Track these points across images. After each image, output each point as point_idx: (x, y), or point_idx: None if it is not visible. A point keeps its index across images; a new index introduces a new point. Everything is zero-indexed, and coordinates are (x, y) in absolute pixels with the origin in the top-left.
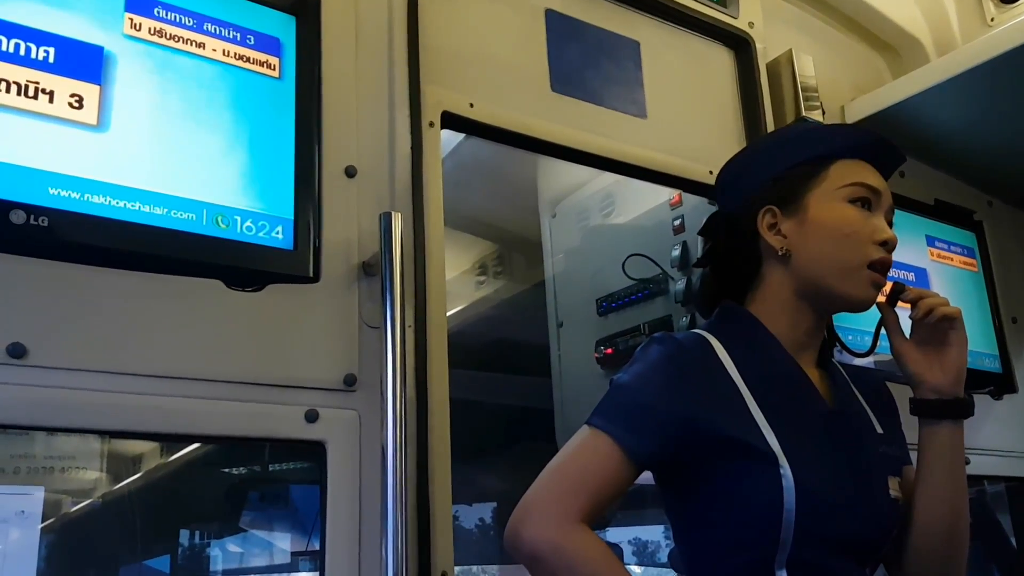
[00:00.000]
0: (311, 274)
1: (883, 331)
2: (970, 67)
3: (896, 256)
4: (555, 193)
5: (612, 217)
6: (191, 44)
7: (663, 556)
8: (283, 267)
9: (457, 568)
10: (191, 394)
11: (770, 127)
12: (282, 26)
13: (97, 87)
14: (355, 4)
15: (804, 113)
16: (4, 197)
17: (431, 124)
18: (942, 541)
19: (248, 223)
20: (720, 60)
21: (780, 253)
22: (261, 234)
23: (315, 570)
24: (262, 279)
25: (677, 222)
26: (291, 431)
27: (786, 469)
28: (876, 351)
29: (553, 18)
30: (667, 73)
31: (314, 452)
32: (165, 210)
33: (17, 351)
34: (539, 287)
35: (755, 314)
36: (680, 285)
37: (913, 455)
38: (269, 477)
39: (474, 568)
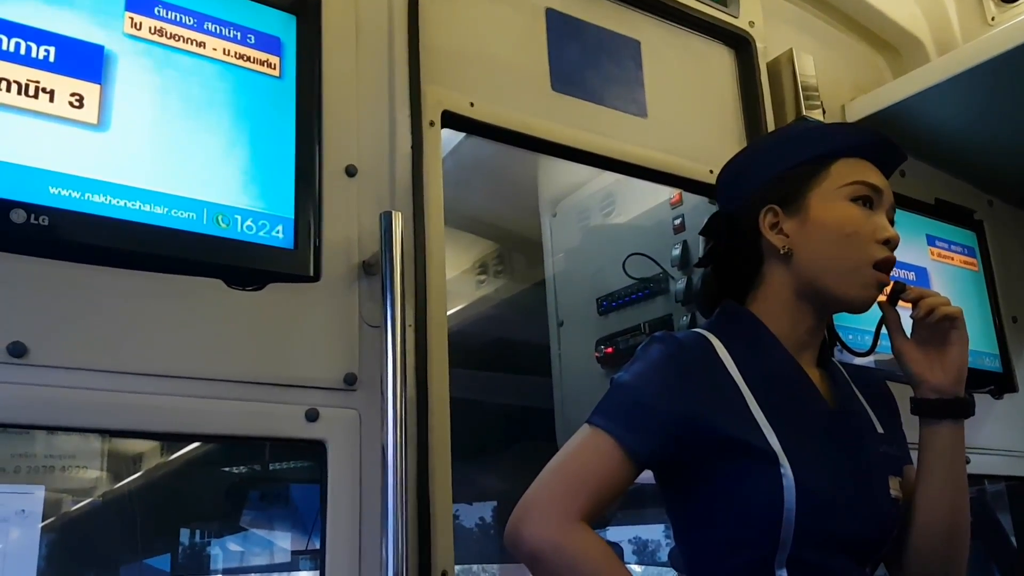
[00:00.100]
0: (311, 273)
1: (883, 330)
2: (971, 66)
3: (896, 255)
4: (555, 192)
5: (612, 216)
6: (191, 43)
7: (663, 555)
8: (283, 266)
9: (457, 567)
10: (191, 393)
11: (770, 126)
12: (282, 25)
13: (97, 86)
14: (355, 3)
15: (804, 112)
16: (4, 196)
17: (431, 123)
18: (943, 541)
19: (248, 222)
20: (720, 59)
21: (782, 252)
22: (261, 233)
23: (315, 569)
24: (262, 278)
25: (677, 221)
26: (291, 430)
27: (786, 469)
28: (876, 350)
29: (553, 17)
30: (667, 72)
31: (314, 451)
32: (165, 209)
33: (17, 350)
34: (539, 286)
35: (756, 313)
36: (680, 284)
37: (913, 454)
38: (269, 476)
39: (474, 567)
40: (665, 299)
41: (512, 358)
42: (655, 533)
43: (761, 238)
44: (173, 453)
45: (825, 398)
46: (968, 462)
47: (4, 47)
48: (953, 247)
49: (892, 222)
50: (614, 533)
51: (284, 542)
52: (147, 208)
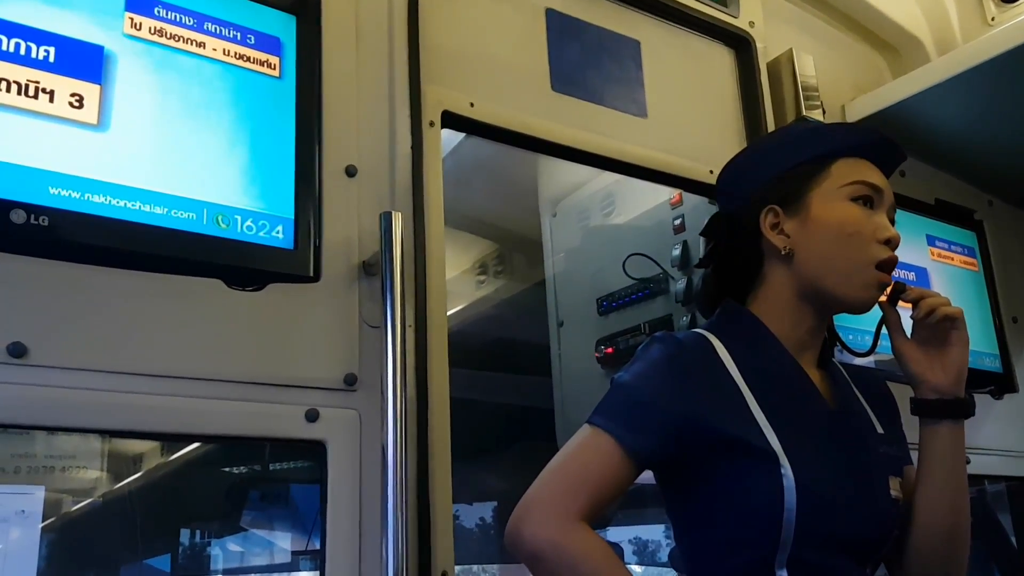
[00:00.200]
0: (311, 274)
1: (884, 331)
2: (971, 66)
3: (896, 255)
4: (555, 192)
5: (612, 216)
6: (191, 43)
7: (663, 555)
8: (283, 267)
9: (457, 567)
10: (191, 394)
11: (771, 127)
12: (282, 25)
13: (97, 86)
14: (355, 3)
15: (805, 112)
16: (4, 196)
17: (431, 123)
18: (943, 541)
19: (248, 222)
20: (721, 59)
21: (783, 253)
22: (261, 233)
23: (315, 569)
24: (262, 279)
25: (677, 221)
26: (291, 431)
27: (787, 469)
28: (877, 351)
29: (553, 17)
30: (667, 72)
31: (314, 452)
32: (165, 209)
33: (17, 350)
34: (539, 286)
35: (756, 314)
36: (680, 285)
37: (913, 455)
38: (269, 476)
39: (474, 567)
40: (665, 299)
41: (512, 358)
42: (655, 533)
43: (761, 238)
44: (173, 453)
45: (825, 398)
46: (968, 462)
47: (4, 47)
48: (953, 247)
49: (893, 222)
50: (614, 533)
51: (284, 542)
52: (147, 208)
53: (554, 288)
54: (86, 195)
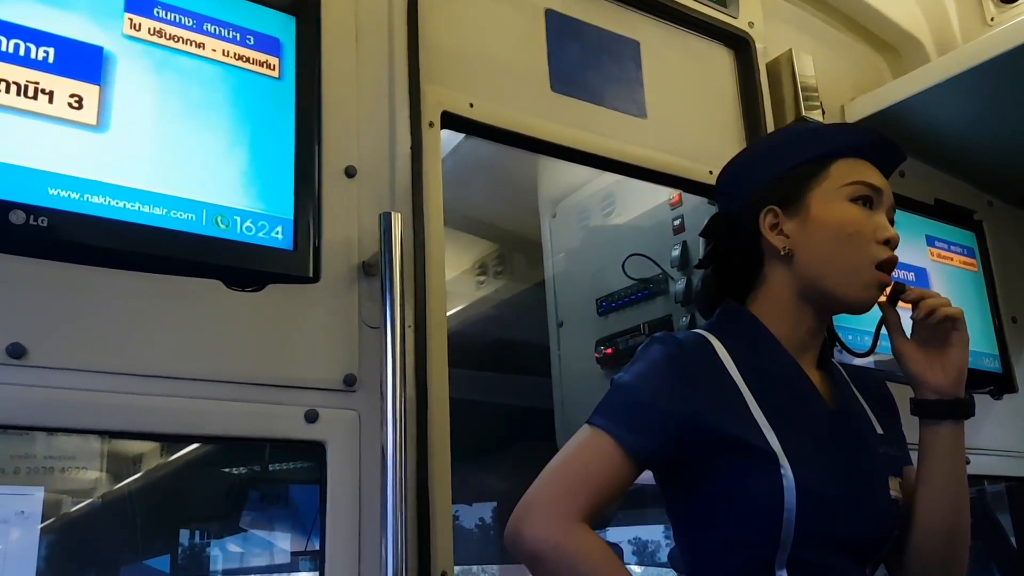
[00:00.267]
0: (311, 274)
1: (883, 331)
2: (970, 67)
3: (896, 256)
4: (555, 193)
5: (612, 217)
6: (191, 44)
7: (663, 556)
8: (283, 267)
9: (457, 568)
10: (191, 394)
11: (770, 127)
12: (282, 26)
13: (97, 87)
14: (355, 4)
15: (804, 113)
16: (4, 197)
17: (431, 124)
18: (943, 541)
19: (248, 223)
20: (720, 60)
21: (782, 253)
22: (261, 234)
23: (315, 570)
24: (262, 279)
25: (677, 222)
26: (291, 431)
27: (787, 469)
28: (876, 351)
29: (553, 18)
30: (667, 73)
31: (314, 452)
32: (165, 210)
33: (17, 351)
34: (539, 287)
35: (756, 314)
36: (680, 285)
37: (913, 455)
38: (269, 477)
39: (474, 568)
40: (665, 300)
41: (512, 359)
42: (655, 533)
43: (761, 239)
44: (173, 454)
45: (825, 399)
46: (968, 462)
47: (3, 48)
48: (953, 247)
49: (892, 222)
50: (614, 533)
51: (284, 543)
52: (146, 209)
53: (554, 288)
54: (85, 196)
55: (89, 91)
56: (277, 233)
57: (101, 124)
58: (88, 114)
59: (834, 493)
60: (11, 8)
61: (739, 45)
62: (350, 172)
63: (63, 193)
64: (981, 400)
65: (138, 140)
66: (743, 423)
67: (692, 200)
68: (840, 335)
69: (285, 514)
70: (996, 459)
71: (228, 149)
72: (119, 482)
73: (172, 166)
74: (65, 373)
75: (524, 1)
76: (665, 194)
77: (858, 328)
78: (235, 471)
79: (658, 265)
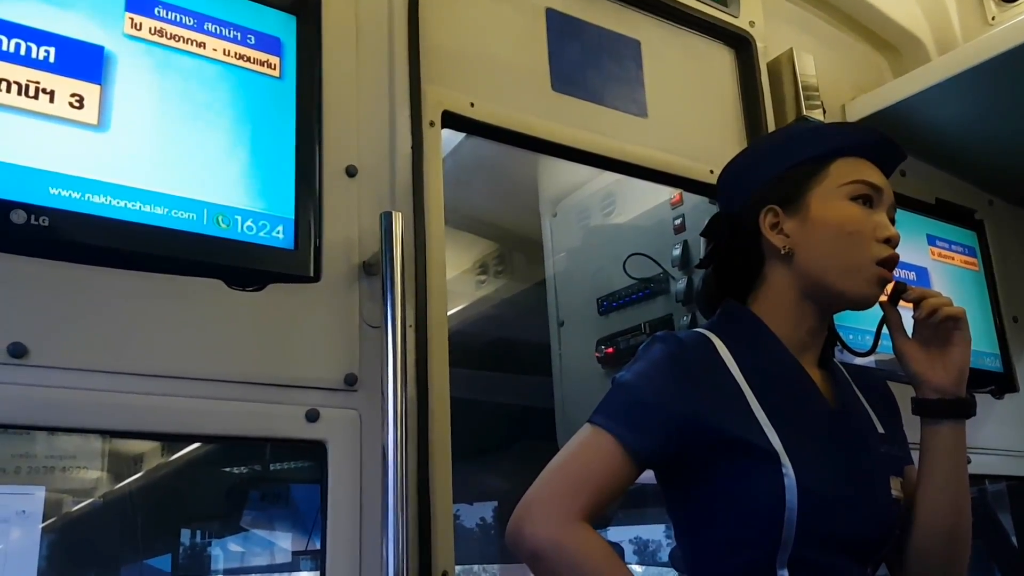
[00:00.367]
0: (312, 274)
1: (884, 331)
2: (971, 66)
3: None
4: (556, 192)
5: (613, 216)
6: (191, 44)
7: (664, 555)
8: (284, 267)
9: (458, 567)
10: (192, 394)
11: (771, 126)
12: (282, 26)
13: (98, 87)
14: (355, 3)
15: (805, 112)
16: (5, 197)
17: (432, 123)
18: (944, 541)
19: (249, 223)
20: (721, 59)
21: (783, 252)
22: (262, 234)
23: (316, 569)
24: (263, 279)
25: (678, 221)
26: (292, 431)
27: (788, 468)
28: (877, 350)
29: (554, 17)
30: (668, 72)
31: (315, 452)
32: (166, 210)
33: (17, 351)
34: (540, 286)
35: (758, 314)
36: (681, 284)
37: (914, 455)
38: (270, 476)
39: (475, 567)
40: (665, 299)
41: (513, 358)
42: (655, 533)
43: (762, 238)
44: (173, 453)
45: (826, 398)
46: (969, 462)
47: (4, 48)
48: (954, 247)
49: (893, 221)
50: (614, 533)
51: (284, 542)
52: (147, 209)
53: (554, 288)
54: (86, 195)
55: (90, 91)
56: (278, 232)
57: (102, 124)
58: (89, 114)
59: (835, 493)
60: (12, 7)
61: (740, 44)
62: (351, 172)
63: (64, 193)
64: (982, 399)
65: (139, 139)
66: (744, 422)
67: (693, 199)
68: (841, 334)
69: (286, 514)
70: (997, 458)
71: (229, 149)
72: (120, 481)
73: (173, 165)
74: (66, 373)
75: (524, 1)
76: (666, 193)
77: (859, 328)
78: (236, 471)
79: (659, 264)
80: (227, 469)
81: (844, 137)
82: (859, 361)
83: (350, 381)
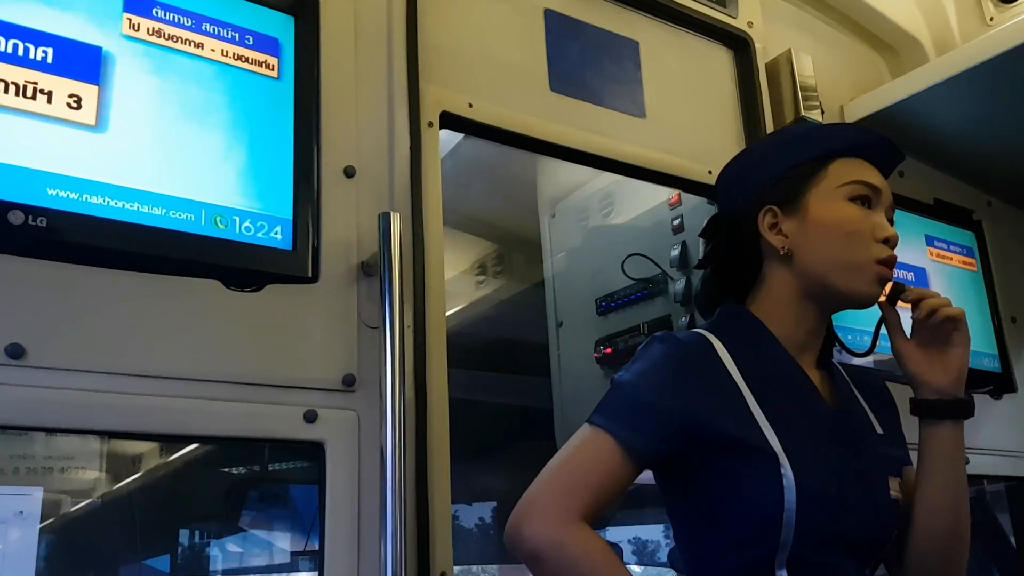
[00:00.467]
0: (310, 274)
1: (883, 331)
2: (969, 67)
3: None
4: (554, 193)
5: (611, 217)
6: (189, 44)
7: (663, 555)
8: (282, 267)
9: (456, 568)
10: (190, 394)
11: (769, 127)
12: (281, 26)
13: (95, 87)
14: (354, 4)
15: (803, 113)
16: (3, 198)
17: (430, 124)
18: (943, 541)
19: (247, 223)
20: (719, 60)
21: (782, 253)
22: (260, 234)
23: (314, 570)
24: (261, 279)
25: (676, 222)
26: (290, 431)
27: (787, 468)
28: (876, 351)
29: (552, 18)
30: (666, 73)
31: (313, 452)
32: (164, 210)
33: (16, 352)
34: (538, 287)
35: (756, 314)
36: (679, 285)
37: (913, 455)
38: (268, 477)
39: (474, 568)
40: (664, 300)
41: (511, 358)
42: (655, 533)
43: (760, 239)
44: (172, 454)
45: (825, 399)
46: (968, 462)
47: (2, 48)
48: (952, 247)
49: (892, 222)
50: (614, 533)
51: (283, 543)
52: (145, 209)
53: (553, 288)
54: (84, 196)
55: (88, 91)
56: (276, 233)
57: (100, 124)
58: (87, 114)
59: (834, 493)
60: (10, 8)
61: (738, 45)
62: (349, 172)
63: (62, 193)
64: (981, 400)
65: (137, 140)
66: (743, 423)
67: (691, 200)
68: (840, 335)
69: (284, 514)
70: (996, 459)
71: (227, 149)
72: (118, 482)
73: (171, 166)
74: (64, 373)
75: (523, 1)
76: (664, 194)
77: (858, 328)
78: (234, 471)
79: (657, 265)
80: (225, 470)
81: (843, 138)
82: (857, 361)
83: (348, 382)
